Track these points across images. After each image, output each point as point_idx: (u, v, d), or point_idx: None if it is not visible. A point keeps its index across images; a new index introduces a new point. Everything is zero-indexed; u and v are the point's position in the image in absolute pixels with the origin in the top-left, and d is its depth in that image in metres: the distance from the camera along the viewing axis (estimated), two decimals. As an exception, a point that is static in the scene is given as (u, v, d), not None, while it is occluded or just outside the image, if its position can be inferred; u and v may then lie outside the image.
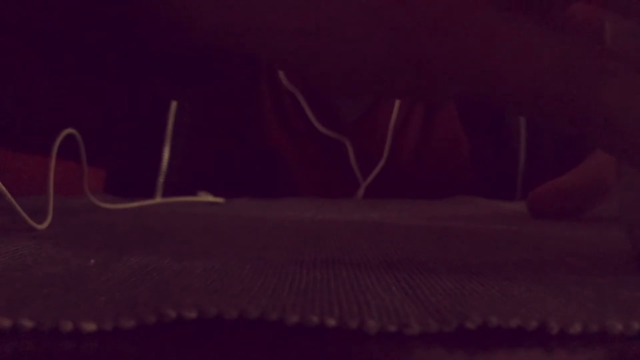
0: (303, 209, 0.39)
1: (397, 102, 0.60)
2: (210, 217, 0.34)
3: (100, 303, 0.14)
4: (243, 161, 0.58)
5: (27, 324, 0.12)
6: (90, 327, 0.12)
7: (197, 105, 0.56)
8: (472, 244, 0.23)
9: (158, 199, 0.45)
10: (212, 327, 0.13)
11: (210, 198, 0.49)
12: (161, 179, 0.53)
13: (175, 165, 0.56)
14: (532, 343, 0.13)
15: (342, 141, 0.59)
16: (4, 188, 0.25)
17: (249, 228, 0.28)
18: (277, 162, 0.58)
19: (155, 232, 0.26)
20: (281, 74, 0.59)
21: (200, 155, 0.57)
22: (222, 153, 0.58)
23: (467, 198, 0.51)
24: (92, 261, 0.19)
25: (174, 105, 0.54)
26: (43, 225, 0.27)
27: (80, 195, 0.38)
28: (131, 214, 0.35)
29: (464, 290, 0.15)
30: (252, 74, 0.59)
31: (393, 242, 0.24)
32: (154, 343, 0.13)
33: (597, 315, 0.13)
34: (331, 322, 0.12)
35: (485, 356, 0.12)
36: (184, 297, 0.14)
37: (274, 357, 0.12)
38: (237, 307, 0.13)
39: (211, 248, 0.22)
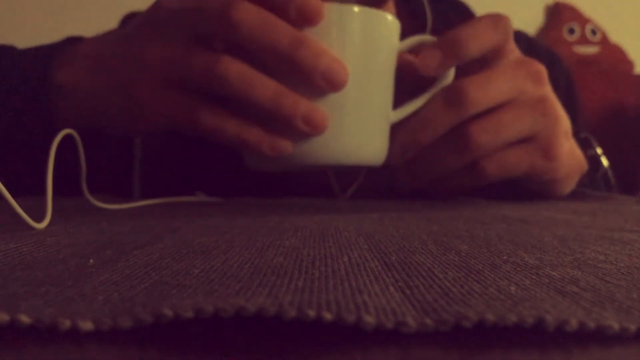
0: (303, 209, 0.39)
1: None
2: (210, 217, 0.34)
3: (98, 302, 0.14)
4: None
5: (25, 319, 0.12)
6: (87, 326, 0.12)
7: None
8: (471, 244, 0.23)
9: (158, 199, 0.45)
10: (211, 327, 0.13)
11: (209, 198, 0.49)
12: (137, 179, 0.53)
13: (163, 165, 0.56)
14: (529, 344, 0.13)
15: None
16: (3, 188, 0.25)
17: (249, 228, 0.28)
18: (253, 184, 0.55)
19: (155, 232, 0.26)
20: None
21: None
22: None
23: (467, 199, 0.51)
24: (91, 261, 0.19)
25: None
26: (42, 225, 0.27)
27: (79, 195, 0.38)
28: (131, 214, 0.35)
29: (462, 290, 0.15)
30: None
31: (392, 242, 0.24)
32: (152, 343, 0.13)
33: (594, 315, 0.13)
34: (328, 316, 0.12)
35: (481, 356, 0.12)
36: (182, 297, 0.14)
37: (272, 357, 0.12)
38: (234, 305, 0.13)
39: (211, 248, 0.22)
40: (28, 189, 0.37)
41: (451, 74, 0.42)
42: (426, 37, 0.42)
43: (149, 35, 0.39)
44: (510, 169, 0.43)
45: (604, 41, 1.73)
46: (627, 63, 1.73)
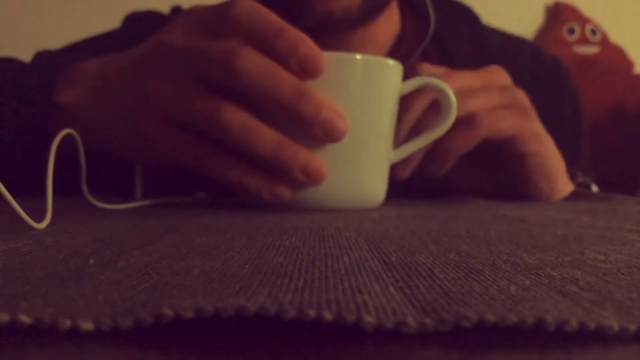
0: (303, 209, 0.39)
1: None
2: (210, 217, 0.34)
3: (98, 302, 0.14)
4: None
5: (25, 319, 0.12)
6: (87, 326, 0.12)
7: None
8: (471, 244, 0.23)
9: (158, 199, 0.45)
10: (211, 327, 0.13)
11: (209, 198, 0.49)
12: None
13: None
14: (529, 344, 0.13)
15: None
16: (3, 188, 0.25)
17: (249, 228, 0.28)
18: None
19: (155, 232, 0.26)
20: None
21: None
22: None
23: (467, 198, 0.51)
24: (92, 261, 0.19)
25: None
26: (42, 225, 0.27)
27: (80, 195, 0.38)
28: (131, 214, 0.35)
29: (462, 290, 0.15)
30: None
31: (392, 242, 0.24)
32: (153, 343, 0.13)
33: (594, 315, 0.13)
34: (328, 316, 0.12)
35: (481, 356, 0.12)
36: (182, 297, 0.14)
37: (272, 357, 0.12)
38: (234, 305, 0.13)
39: (211, 248, 0.22)
40: (29, 189, 0.37)
41: (453, 113, 0.42)
42: (430, 80, 0.42)
43: (152, 72, 0.39)
44: (501, 124, 0.47)
45: (604, 41, 1.73)
46: (627, 63, 1.73)
